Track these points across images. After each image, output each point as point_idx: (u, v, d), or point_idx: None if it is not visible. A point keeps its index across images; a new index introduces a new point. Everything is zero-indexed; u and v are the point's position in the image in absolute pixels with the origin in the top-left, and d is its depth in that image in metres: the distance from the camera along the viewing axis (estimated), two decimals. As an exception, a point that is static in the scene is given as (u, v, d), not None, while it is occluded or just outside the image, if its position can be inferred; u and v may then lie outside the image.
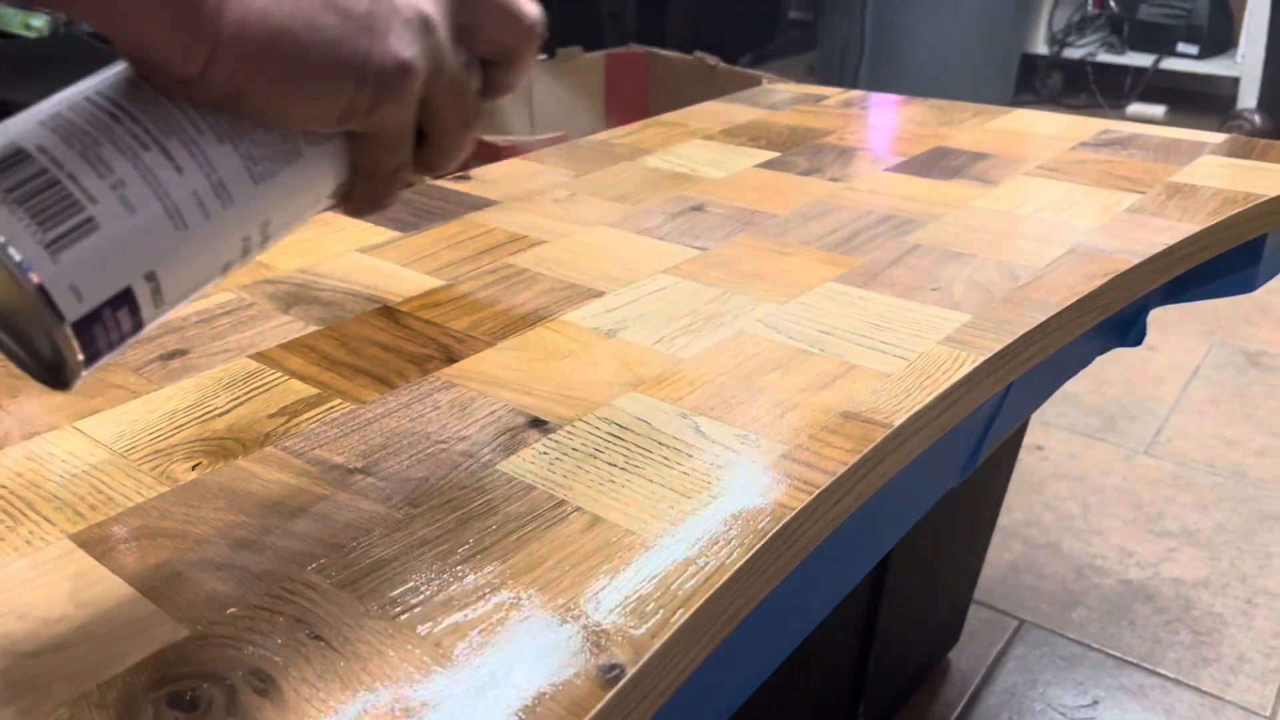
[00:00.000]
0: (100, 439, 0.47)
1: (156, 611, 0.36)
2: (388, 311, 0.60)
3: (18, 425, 0.48)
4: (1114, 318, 0.67)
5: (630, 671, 0.34)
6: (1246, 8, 2.84)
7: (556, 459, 0.45)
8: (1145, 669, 1.11)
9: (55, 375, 0.30)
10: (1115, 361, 1.71)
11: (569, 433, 0.47)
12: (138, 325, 0.30)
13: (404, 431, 0.47)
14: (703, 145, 0.92)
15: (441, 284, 0.63)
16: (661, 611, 0.36)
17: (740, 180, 0.82)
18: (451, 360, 0.54)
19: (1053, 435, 1.54)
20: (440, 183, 0.82)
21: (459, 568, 0.38)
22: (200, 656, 0.34)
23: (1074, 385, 1.63)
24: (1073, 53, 3.23)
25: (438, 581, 0.38)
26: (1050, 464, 1.48)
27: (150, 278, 0.28)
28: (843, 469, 0.44)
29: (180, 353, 0.55)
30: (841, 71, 3.07)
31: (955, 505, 0.90)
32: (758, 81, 2.18)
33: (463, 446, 0.46)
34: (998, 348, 0.54)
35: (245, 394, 0.51)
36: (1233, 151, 0.87)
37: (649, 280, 0.63)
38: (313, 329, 0.57)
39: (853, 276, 0.63)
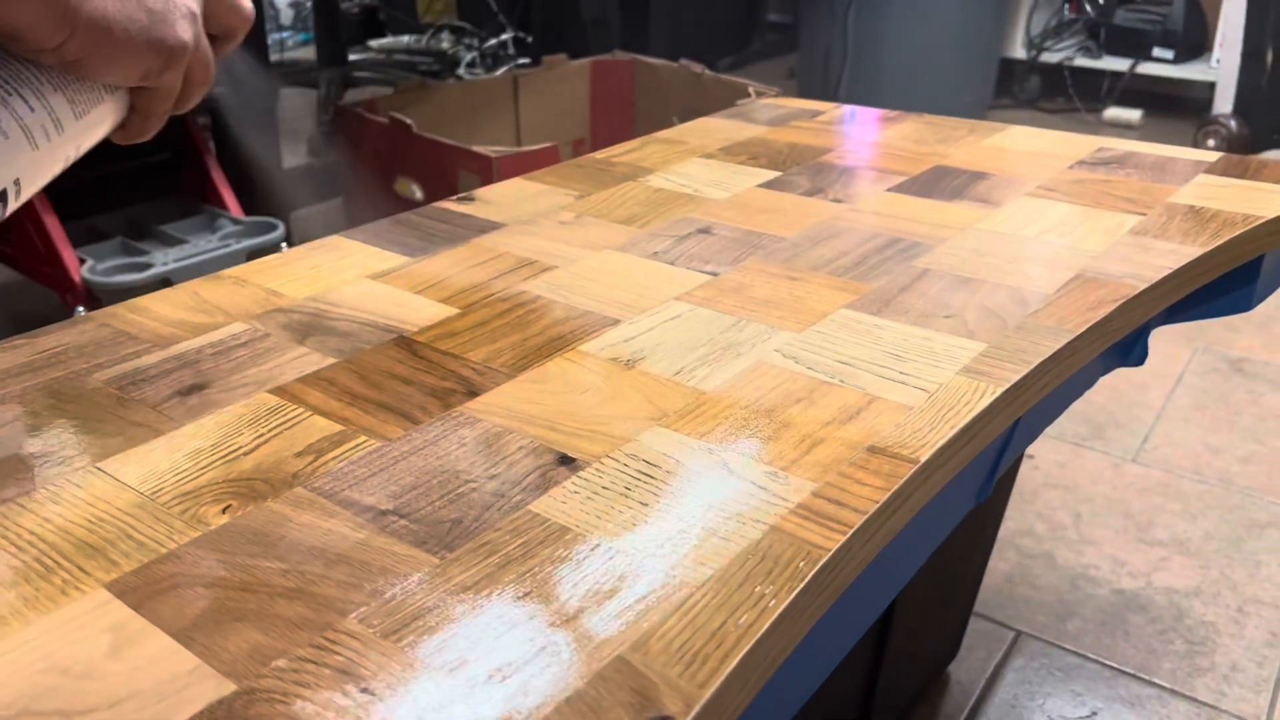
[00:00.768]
0: (126, 480, 0.47)
1: (200, 665, 0.36)
2: (404, 342, 0.59)
3: (39, 467, 0.48)
4: (1119, 340, 0.68)
5: (681, 722, 0.34)
6: (1221, 13, 2.87)
7: (588, 498, 0.45)
8: (1141, 679, 1.12)
9: None
10: (1101, 369, 1.72)
11: (598, 470, 0.47)
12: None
13: (433, 470, 0.47)
14: (703, 164, 0.92)
15: (455, 312, 0.63)
16: (709, 660, 0.36)
17: (744, 201, 0.83)
18: (473, 394, 0.54)
19: (1042, 444, 1.55)
20: (444, 204, 0.82)
21: (501, 616, 0.38)
22: (250, 714, 0.34)
23: (1061, 393, 1.63)
24: (1050, 57, 3.26)
25: (481, 631, 0.38)
26: (1041, 473, 1.49)
27: (16, 183, 0.40)
28: (874, 507, 0.44)
29: (198, 387, 0.55)
30: (824, 76, 3.08)
31: (961, 522, 0.90)
32: (744, 89, 2.19)
33: (493, 486, 0.46)
34: (1015, 378, 0.55)
35: (269, 431, 0.50)
36: (1227, 170, 0.88)
37: (663, 308, 0.63)
38: (330, 361, 0.57)
39: (865, 304, 0.64)
